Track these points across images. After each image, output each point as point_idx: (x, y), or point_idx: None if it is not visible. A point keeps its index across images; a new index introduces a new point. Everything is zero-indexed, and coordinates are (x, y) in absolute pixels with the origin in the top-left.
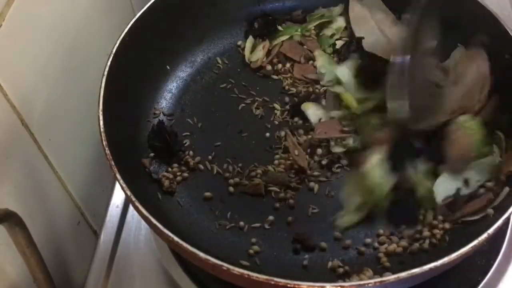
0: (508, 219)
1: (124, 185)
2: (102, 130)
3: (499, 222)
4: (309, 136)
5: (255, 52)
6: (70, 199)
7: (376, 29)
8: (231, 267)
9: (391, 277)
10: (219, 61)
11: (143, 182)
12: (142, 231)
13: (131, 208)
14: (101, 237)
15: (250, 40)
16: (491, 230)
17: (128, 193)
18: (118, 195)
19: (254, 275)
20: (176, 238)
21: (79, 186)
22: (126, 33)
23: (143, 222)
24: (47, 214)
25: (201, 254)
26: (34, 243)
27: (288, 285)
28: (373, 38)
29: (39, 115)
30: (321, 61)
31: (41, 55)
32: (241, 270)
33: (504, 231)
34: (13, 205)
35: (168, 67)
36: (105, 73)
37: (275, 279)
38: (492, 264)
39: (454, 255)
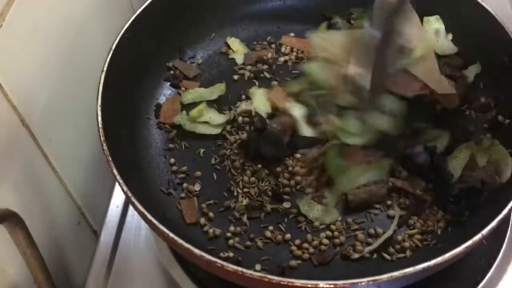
0: (504, 219)
1: (121, 181)
2: (100, 125)
3: (494, 222)
4: None
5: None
6: (70, 199)
7: None
8: (225, 263)
9: (384, 276)
10: (219, 58)
11: (142, 179)
12: (142, 231)
13: (131, 208)
14: (101, 237)
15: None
16: (485, 231)
17: (125, 188)
18: (118, 195)
19: (248, 272)
20: (171, 234)
21: (79, 186)
22: (125, 30)
23: (143, 222)
24: (47, 214)
25: (196, 251)
26: (34, 243)
27: (282, 283)
28: None
29: (39, 115)
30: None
31: (41, 55)
32: (235, 267)
33: (504, 231)
34: (13, 205)
35: (167, 64)
36: (105, 68)
37: (269, 276)
38: (492, 264)
39: (447, 255)
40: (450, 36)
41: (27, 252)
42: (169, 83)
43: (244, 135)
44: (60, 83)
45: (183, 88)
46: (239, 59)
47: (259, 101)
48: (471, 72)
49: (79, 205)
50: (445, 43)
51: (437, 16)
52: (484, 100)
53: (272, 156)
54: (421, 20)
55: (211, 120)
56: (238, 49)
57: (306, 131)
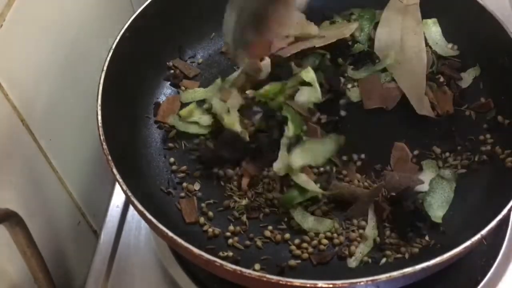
0: (503, 220)
1: (120, 180)
2: (100, 125)
3: (493, 223)
4: None
5: None
6: (70, 199)
7: (398, 34)
8: (224, 263)
9: (383, 276)
10: (219, 58)
11: (142, 179)
12: (142, 231)
13: (131, 208)
14: (101, 237)
15: None
16: (484, 231)
17: (124, 187)
18: (118, 195)
19: (247, 271)
20: (170, 233)
21: (79, 186)
22: (125, 29)
23: (143, 222)
24: (47, 214)
25: (195, 250)
26: (35, 243)
27: (280, 282)
28: (389, 41)
29: (39, 115)
30: None
31: (41, 55)
32: (234, 267)
33: (504, 231)
34: (13, 205)
35: (167, 63)
36: (104, 68)
37: (268, 275)
38: (492, 264)
39: (446, 256)
40: (450, 45)
41: (27, 252)
42: (169, 83)
43: None
44: (60, 83)
45: (183, 88)
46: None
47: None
48: (470, 75)
49: (79, 205)
50: (446, 47)
51: (434, 19)
52: (484, 100)
53: (230, 159)
54: None
55: (201, 121)
56: None
57: None
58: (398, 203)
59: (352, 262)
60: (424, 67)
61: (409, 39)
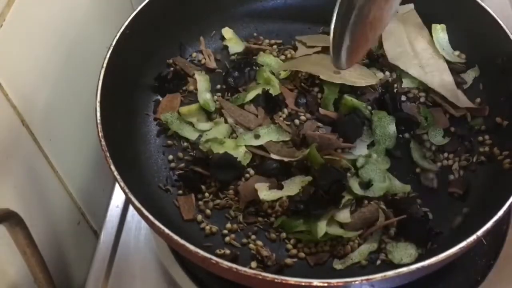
0: (500, 221)
1: (118, 177)
2: (98, 121)
3: (489, 224)
4: None
5: None
6: (70, 199)
7: (406, 41)
8: (219, 260)
9: (377, 276)
10: (220, 55)
11: (140, 176)
12: (142, 231)
13: (131, 208)
14: (101, 237)
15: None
16: (480, 232)
17: (122, 184)
18: (118, 195)
19: (242, 269)
20: (167, 230)
21: (79, 186)
22: (126, 26)
23: (143, 222)
24: (47, 214)
25: (191, 247)
26: (35, 243)
27: (275, 280)
28: (400, 50)
29: (39, 115)
30: None
31: (42, 55)
32: (230, 264)
33: (504, 231)
34: (13, 205)
35: (168, 61)
36: (104, 65)
37: (263, 273)
38: (492, 264)
39: (441, 256)
40: (457, 52)
41: (27, 252)
42: None
43: None
44: (60, 83)
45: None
46: (233, 48)
47: None
48: (470, 75)
49: (79, 205)
50: (452, 53)
51: (443, 25)
52: (480, 101)
53: (227, 180)
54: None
55: (196, 123)
56: (231, 38)
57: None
58: (403, 211)
59: (339, 265)
60: (445, 63)
61: (419, 43)
